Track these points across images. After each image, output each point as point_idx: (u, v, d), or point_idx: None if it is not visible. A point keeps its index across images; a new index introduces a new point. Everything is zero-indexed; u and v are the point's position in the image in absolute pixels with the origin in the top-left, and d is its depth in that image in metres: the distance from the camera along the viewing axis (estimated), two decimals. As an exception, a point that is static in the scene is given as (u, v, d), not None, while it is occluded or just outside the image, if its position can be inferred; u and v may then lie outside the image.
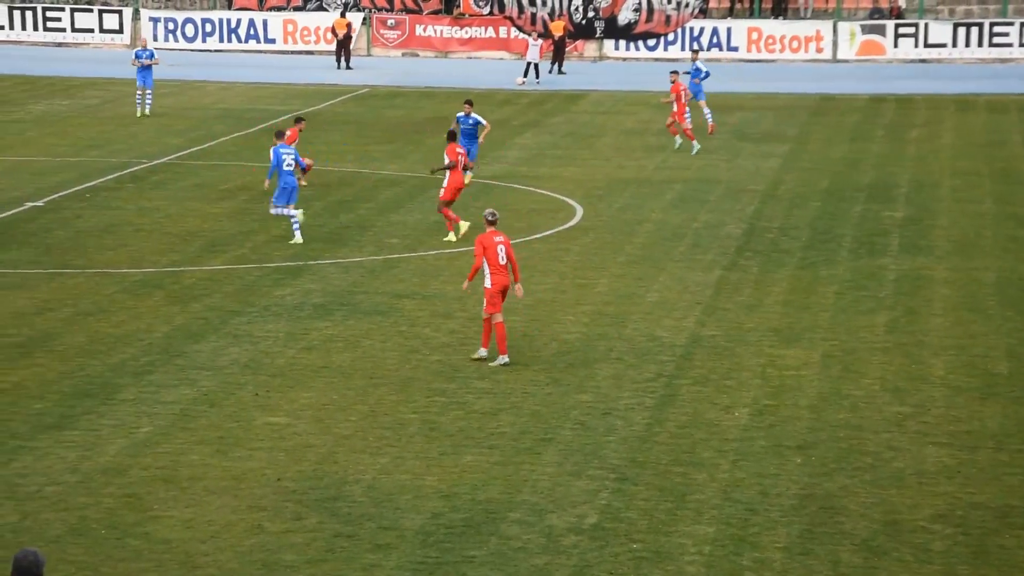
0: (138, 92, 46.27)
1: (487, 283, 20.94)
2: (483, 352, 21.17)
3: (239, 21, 64.88)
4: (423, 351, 21.79)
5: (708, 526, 15.66)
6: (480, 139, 34.44)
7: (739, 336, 22.78)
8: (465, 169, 30.62)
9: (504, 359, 20.91)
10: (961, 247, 28.96)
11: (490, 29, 63.95)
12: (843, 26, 61.75)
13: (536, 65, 56.10)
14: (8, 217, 30.71)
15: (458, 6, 64.73)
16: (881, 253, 28.44)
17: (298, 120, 34.63)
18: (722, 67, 61.10)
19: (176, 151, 39.66)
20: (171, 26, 65.13)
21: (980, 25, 61.15)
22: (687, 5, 61.44)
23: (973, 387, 20.42)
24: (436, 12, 64.75)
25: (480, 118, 34.20)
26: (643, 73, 58.64)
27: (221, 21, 64.99)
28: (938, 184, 35.78)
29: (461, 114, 34.35)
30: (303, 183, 31.55)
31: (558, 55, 58.81)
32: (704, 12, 62.37)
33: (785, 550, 15.12)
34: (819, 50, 61.53)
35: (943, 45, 60.95)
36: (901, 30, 61.34)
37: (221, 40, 64.82)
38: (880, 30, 61.46)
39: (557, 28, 59.33)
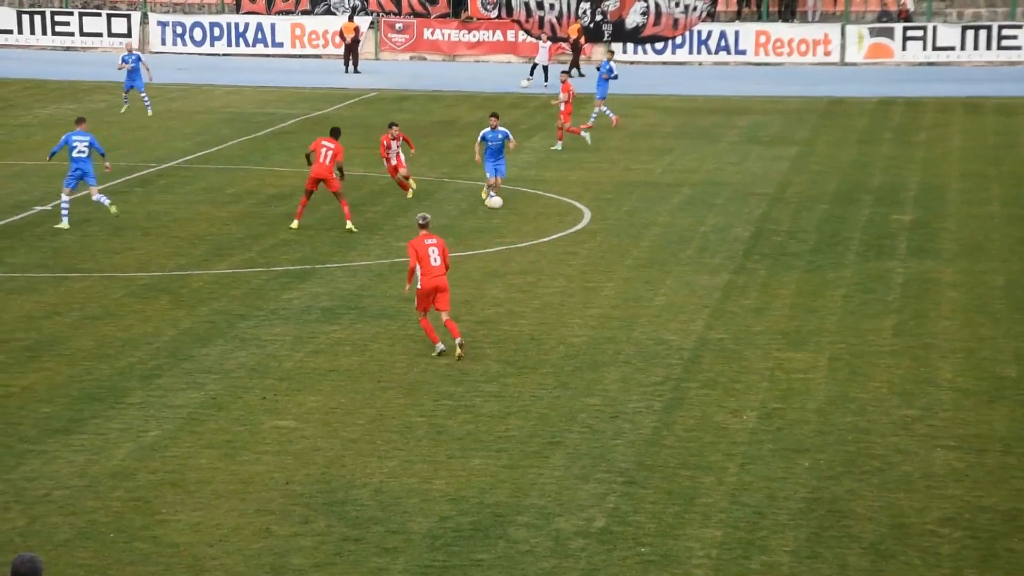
0: (125, 95, 47.37)
1: (419, 284, 21.52)
2: (440, 347, 21.58)
3: (247, 25, 64.94)
4: (431, 355, 21.78)
5: (716, 529, 15.65)
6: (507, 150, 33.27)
7: (747, 339, 22.77)
8: (491, 188, 30.85)
9: (441, 347, 21.54)
10: (969, 250, 28.92)
11: (498, 32, 63.96)
12: (851, 29, 61.71)
13: (545, 67, 56.10)
14: (16, 221, 30.75)
15: (466, 9, 64.75)
16: (889, 256, 28.42)
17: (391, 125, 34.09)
18: (730, 70, 61.18)
19: (183, 155, 39.69)
20: (179, 30, 65.21)
21: (988, 28, 61.09)
22: (695, 8, 61.42)
23: (981, 390, 20.39)
24: (444, 16, 64.78)
25: (508, 132, 32.95)
26: (651, 76, 58.64)
27: (229, 25, 65.05)
28: (946, 187, 35.74)
29: (488, 130, 32.79)
30: (107, 168, 31.74)
31: (575, 57, 58.90)
32: (712, 15, 62.34)
33: (793, 554, 15.11)
34: (827, 53, 61.50)
35: (951, 48, 60.90)
36: (909, 33, 61.29)
37: (229, 44, 64.89)
38: (888, 33, 61.43)
39: (573, 31, 59.37)
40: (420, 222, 22.09)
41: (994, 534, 15.64)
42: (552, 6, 62.19)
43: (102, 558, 14.76)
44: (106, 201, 29.75)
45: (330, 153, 30.02)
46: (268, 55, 64.22)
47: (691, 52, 62.62)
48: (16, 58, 62.22)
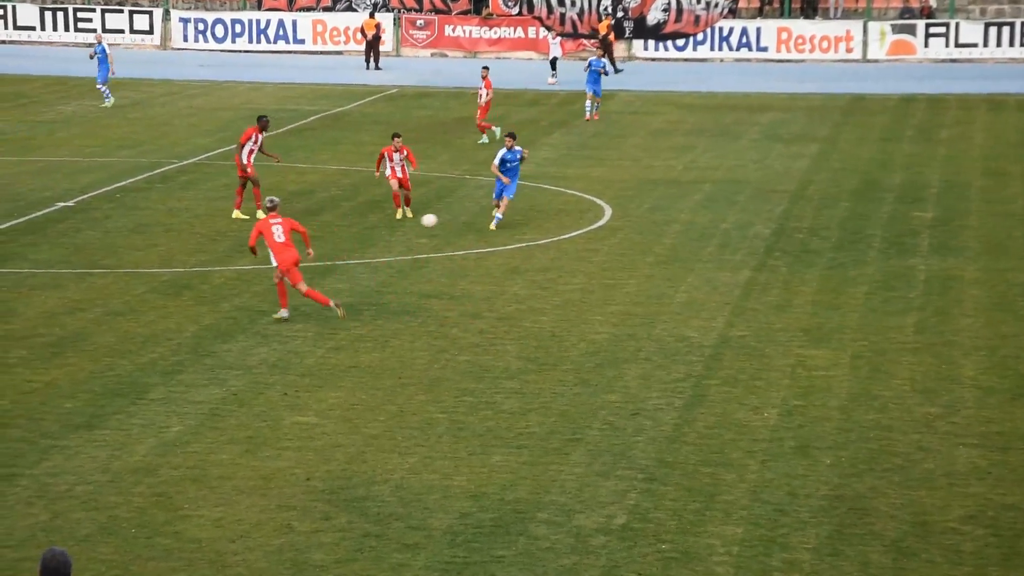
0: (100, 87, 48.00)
1: (274, 262, 23.14)
2: (284, 313, 23.16)
3: (268, 22, 65.05)
4: (451, 351, 21.80)
5: (737, 527, 15.63)
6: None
7: (768, 336, 22.73)
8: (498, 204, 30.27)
9: (284, 315, 23.22)
10: (991, 247, 28.83)
11: (519, 29, 63.97)
12: (873, 26, 61.56)
13: (555, 60, 56.14)
14: (39, 217, 30.84)
15: (487, 6, 64.76)
16: (911, 253, 28.34)
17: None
18: (751, 67, 61.07)
19: (205, 151, 39.77)
20: (201, 26, 65.33)
21: (1011, 25, 60.89)
22: (716, 5, 61.32)
23: (1004, 388, 20.32)
24: (465, 12, 64.80)
25: (523, 151, 30.53)
26: (672, 73, 58.58)
27: (250, 22, 65.16)
28: (969, 184, 35.63)
29: (504, 150, 30.25)
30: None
31: (608, 54, 58.97)
32: (733, 12, 62.25)
33: (814, 551, 15.08)
34: (849, 50, 61.37)
35: (974, 45, 60.71)
36: (932, 30, 61.13)
37: (250, 41, 65.01)
38: (911, 30, 61.26)
39: (604, 27, 59.41)
40: (268, 205, 23.68)
41: (1017, 532, 15.59)
42: (573, 3, 62.15)
43: (124, 553, 14.80)
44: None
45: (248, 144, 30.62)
46: (289, 52, 64.31)
47: (712, 49, 62.51)
48: (39, 55, 62.41)
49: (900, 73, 58.00)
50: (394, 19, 64.38)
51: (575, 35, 61.06)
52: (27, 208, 31.54)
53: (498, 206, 30.28)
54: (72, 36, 65.90)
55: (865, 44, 61.27)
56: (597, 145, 41.73)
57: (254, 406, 19.28)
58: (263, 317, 23.45)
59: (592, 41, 60.88)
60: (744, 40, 62.37)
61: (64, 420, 18.63)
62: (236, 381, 20.28)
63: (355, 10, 64.73)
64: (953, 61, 60.62)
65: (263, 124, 31.02)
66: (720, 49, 62.51)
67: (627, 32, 62.42)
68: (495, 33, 64.25)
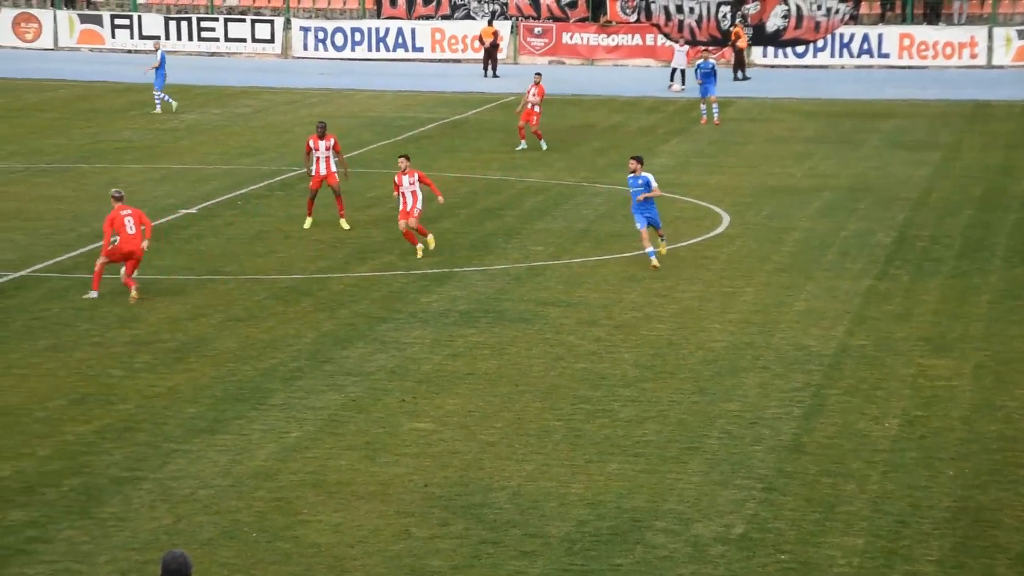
0: (164, 95, 48.89)
1: (116, 243, 24.83)
2: (93, 294, 24.76)
3: (387, 30, 65.53)
4: (568, 359, 21.79)
5: (858, 538, 15.45)
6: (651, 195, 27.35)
7: (889, 346, 22.45)
8: (661, 238, 27.36)
9: (95, 295, 24.82)
10: (1120, 256, 28.25)
11: (637, 37, 63.82)
12: (998, 31, 60.61)
13: (683, 71, 55.90)
14: (163, 224, 31.29)
15: (605, 14, 64.71)
16: (1036, 262, 27.85)
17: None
18: (872, 73, 60.41)
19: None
20: (321, 35, 65.97)
21: None
22: (837, 12, 60.74)
23: None
24: (583, 20, 64.80)
25: (650, 178, 27.36)
26: (791, 80, 58.11)
27: (370, 30, 65.69)
28: (1096, 192, 34.94)
29: (631, 175, 27.42)
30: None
31: (739, 63, 58.74)
32: (855, 18, 61.62)
33: (938, 563, 14.86)
34: (973, 56, 60.47)
35: (1101, 49, 59.55)
36: (1058, 35, 60.06)
37: (370, 49, 65.52)
38: (1036, 34, 60.25)
39: (736, 35, 59.18)
40: (115, 195, 25.25)
41: None
42: (692, 10, 61.91)
43: (245, 557, 14.96)
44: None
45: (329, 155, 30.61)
46: (408, 60, 64.71)
47: (832, 56, 61.93)
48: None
49: (1025, 79, 57.04)
50: (512, 27, 64.54)
51: (701, 43, 60.80)
52: (151, 215, 31.88)
53: (647, 238, 27.00)
54: (196, 45, 66.85)
55: (990, 50, 60.33)
56: (715, 152, 41.51)
57: (372, 412, 19.40)
58: (382, 324, 23.61)
59: (715, 48, 60.63)
60: (865, 47, 61.71)
61: (187, 424, 18.88)
62: (355, 387, 20.43)
63: (473, 18, 65.00)
64: (1080, 66, 59.51)
65: (319, 130, 31.35)
66: (840, 56, 61.91)
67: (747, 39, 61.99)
68: (613, 40, 64.17)
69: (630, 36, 63.93)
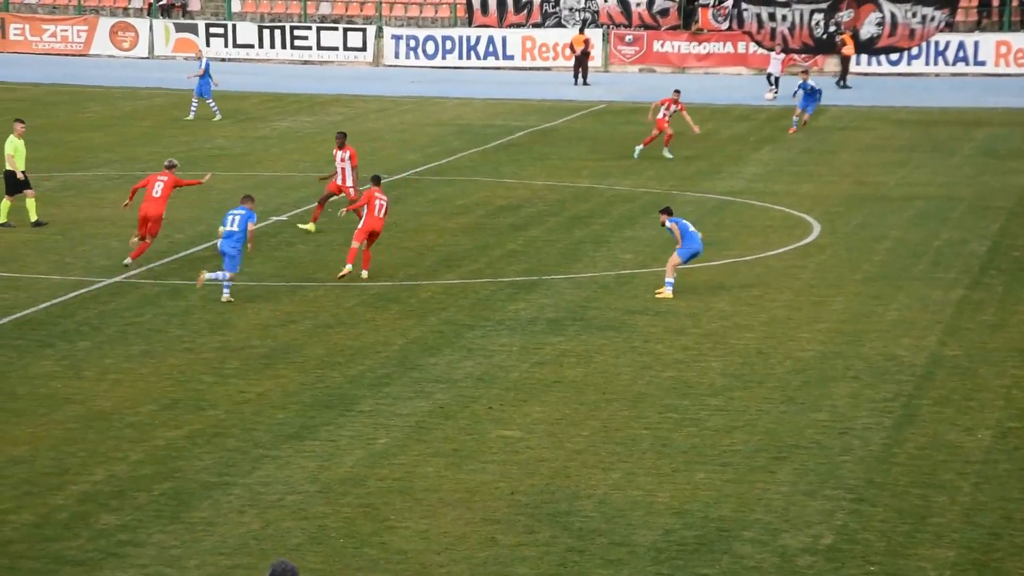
0: (210, 102, 49.50)
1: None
2: (128, 261, 27.12)
3: (478, 38, 65.72)
4: (656, 367, 21.72)
5: (949, 550, 15.26)
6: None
7: (982, 356, 22.18)
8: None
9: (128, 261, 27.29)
10: None
11: (728, 44, 63.57)
12: (1096, 37, 59.76)
13: (777, 79, 55.60)
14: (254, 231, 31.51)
15: (696, 21, 64.51)
16: None
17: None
18: (968, 81, 59.74)
19: (414, 167, 40.29)
20: (412, 43, 66.31)
21: None
22: (932, 19, 60.15)
23: None
24: (674, 28, 64.64)
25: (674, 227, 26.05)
26: (885, 88, 57.59)
27: (461, 38, 65.93)
28: None
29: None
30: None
31: (843, 68, 58.42)
32: (950, 26, 60.99)
33: (1029, 578, 14.65)
34: (1071, 63, 59.67)
35: None
36: None
37: (460, 57, 65.75)
38: None
39: (844, 41, 58.82)
40: (167, 164, 28.32)
41: None
42: (784, 17, 61.55)
43: (332, 563, 15.03)
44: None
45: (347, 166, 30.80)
46: (499, 68, 64.86)
47: (927, 63, 61.36)
48: (256, 72, 63.99)
49: (1125, 86, 56.17)
50: (603, 35, 64.50)
51: (793, 50, 60.46)
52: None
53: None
54: (288, 54, 67.43)
55: (1088, 56, 59.49)
56: (806, 161, 41.22)
57: (459, 419, 19.44)
58: (469, 331, 23.66)
59: (807, 56, 60.38)
60: (961, 54, 61.06)
61: (275, 430, 19.02)
62: (442, 394, 20.48)
63: (564, 26, 65.03)
64: None
65: (339, 141, 31.55)
66: (935, 64, 61.29)
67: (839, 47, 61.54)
68: (704, 48, 63.94)
69: (721, 44, 63.68)
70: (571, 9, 65.50)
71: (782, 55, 57.22)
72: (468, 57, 65.68)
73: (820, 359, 22.08)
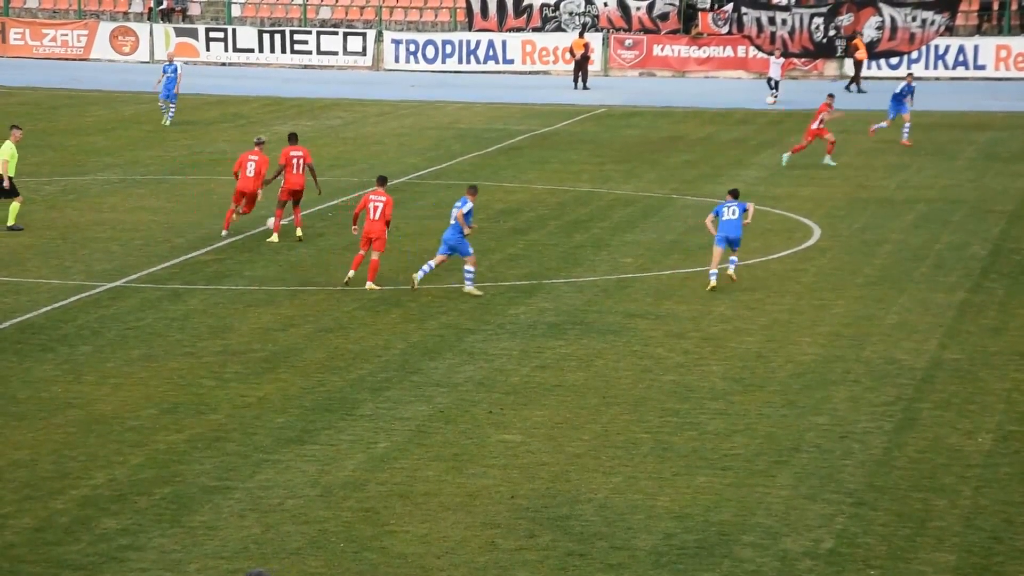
0: (161, 104, 48.90)
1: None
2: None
3: (478, 42, 65.74)
4: (656, 371, 21.72)
5: (950, 554, 15.26)
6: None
7: (983, 360, 22.17)
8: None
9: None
10: None
11: (728, 48, 63.58)
12: (1096, 41, 59.77)
13: (777, 83, 55.61)
14: (255, 235, 31.55)
15: (696, 25, 64.52)
16: None
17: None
18: (968, 85, 59.74)
19: (415, 170, 40.28)
20: (412, 48, 66.31)
21: None
22: (932, 23, 60.17)
23: None
24: (674, 32, 64.66)
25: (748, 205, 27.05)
26: (885, 92, 57.56)
27: (461, 43, 65.93)
28: None
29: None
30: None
31: (856, 73, 58.29)
32: (950, 30, 61.01)
33: (1030, 582, 14.64)
34: (1071, 66, 59.67)
35: None
36: None
37: (460, 61, 65.76)
38: None
39: (856, 45, 58.66)
40: (257, 140, 30.83)
41: None
42: (784, 21, 61.56)
43: (333, 567, 15.03)
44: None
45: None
46: (499, 72, 64.87)
47: (927, 67, 61.36)
48: (256, 76, 64.01)
49: (1125, 89, 56.17)
50: (603, 39, 64.52)
51: (794, 55, 60.48)
52: (243, 226, 32.29)
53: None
54: (288, 58, 67.43)
55: (1088, 60, 59.51)
56: (807, 164, 41.21)
57: (460, 423, 19.44)
58: (469, 335, 23.66)
59: (807, 60, 60.44)
60: (961, 58, 61.07)
61: (276, 434, 19.02)
62: (442, 398, 20.48)
63: (564, 30, 65.06)
64: None
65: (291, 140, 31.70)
66: (935, 67, 61.30)
67: (838, 51, 61.59)
68: (704, 52, 63.96)
69: (721, 48, 63.69)
70: (571, 13, 65.51)
71: (782, 59, 57.21)
72: (468, 61, 65.69)
73: (821, 363, 22.08)
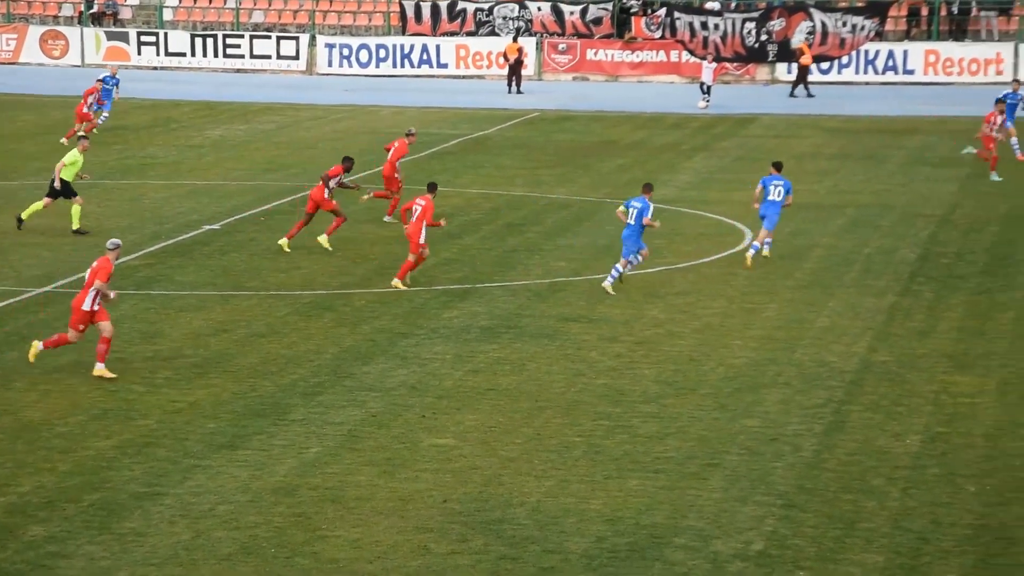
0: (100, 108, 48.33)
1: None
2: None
3: (412, 47, 65.68)
4: (589, 375, 21.77)
5: (878, 555, 15.38)
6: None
7: (911, 362, 22.38)
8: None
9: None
10: None
11: (661, 53, 63.85)
12: (1024, 47, 60.44)
13: (709, 87, 55.88)
14: (186, 240, 31.39)
15: (629, 30, 64.75)
16: (1061, 279, 27.72)
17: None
18: (897, 90, 60.29)
19: (349, 175, 40.11)
20: (346, 52, 66.18)
21: None
22: (862, 28, 60.65)
23: None
24: (607, 36, 64.85)
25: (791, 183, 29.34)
26: (816, 97, 57.97)
27: (395, 47, 65.87)
28: (1122, 208, 34.78)
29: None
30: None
31: (802, 79, 58.35)
32: (880, 35, 61.51)
33: (957, 581, 14.79)
34: (999, 72, 60.29)
35: None
36: (1084, 51, 59.86)
37: (394, 65, 65.70)
38: (1062, 51, 60.06)
39: (802, 51, 58.86)
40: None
41: None
42: (717, 26, 61.87)
43: (263, 573, 14.96)
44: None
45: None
46: (432, 76, 64.86)
47: (857, 72, 61.86)
48: (189, 80, 63.67)
49: (1051, 95, 56.76)
50: (536, 43, 64.63)
51: (727, 59, 60.78)
52: (175, 231, 32.12)
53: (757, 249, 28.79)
54: (221, 62, 67.10)
55: (1015, 66, 60.15)
56: (738, 169, 41.44)
57: (392, 428, 19.41)
58: (403, 339, 23.63)
59: (739, 64, 60.73)
60: (890, 63, 61.63)
61: (207, 440, 18.91)
62: (375, 403, 20.44)
63: (498, 35, 65.10)
64: (1106, 82, 59.23)
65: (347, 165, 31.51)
66: (865, 72, 61.82)
67: (770, 56, 61.97)
68: (637, 57, 64.20)
69: (654, 52, 63.95)
70: (504, 18, 65.58)
71: (714, 64, 57.52)
72: (402, 65, 65.63)
73: (752, 366, 22.20)
